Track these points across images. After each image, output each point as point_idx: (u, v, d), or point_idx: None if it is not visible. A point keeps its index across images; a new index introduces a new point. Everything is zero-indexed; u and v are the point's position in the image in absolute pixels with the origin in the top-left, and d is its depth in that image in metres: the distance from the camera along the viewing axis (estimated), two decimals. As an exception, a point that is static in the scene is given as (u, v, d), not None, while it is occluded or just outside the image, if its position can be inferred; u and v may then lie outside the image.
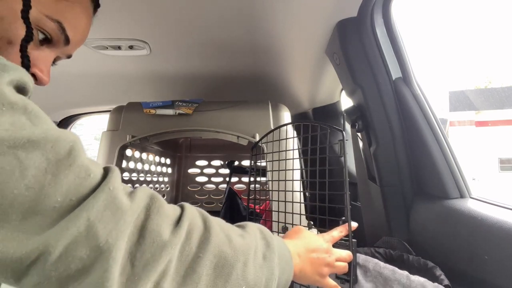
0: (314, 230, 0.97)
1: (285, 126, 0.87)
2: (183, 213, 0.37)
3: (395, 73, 0.87)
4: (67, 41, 0.48)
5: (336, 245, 0.64)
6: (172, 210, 0.36)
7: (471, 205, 0.74)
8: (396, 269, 0.65)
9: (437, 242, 0.79)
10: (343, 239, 0.65)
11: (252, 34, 0.97)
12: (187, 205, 0.39)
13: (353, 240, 0.63)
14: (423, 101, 0.84)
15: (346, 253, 0.61)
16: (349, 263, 0.61)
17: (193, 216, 0.37)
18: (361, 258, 0.70)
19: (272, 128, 0.85)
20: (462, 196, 0.79)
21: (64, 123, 1.88)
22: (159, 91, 1.46)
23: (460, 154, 0.84)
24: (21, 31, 0.41)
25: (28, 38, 0.41)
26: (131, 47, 1.03)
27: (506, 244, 0.62)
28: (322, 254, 0.56)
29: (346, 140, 0.64)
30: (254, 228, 0.47)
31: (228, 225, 0.45)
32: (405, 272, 0.64)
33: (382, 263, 0.68)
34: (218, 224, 0.40)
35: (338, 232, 0.63)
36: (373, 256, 0.84)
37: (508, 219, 0.63)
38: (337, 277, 0.62)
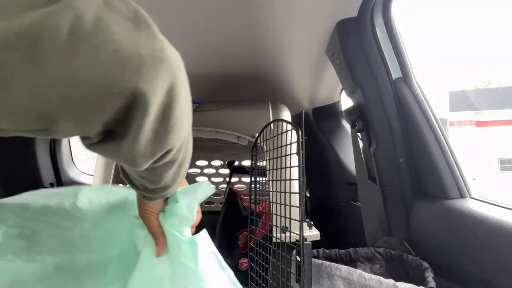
0: (314, 229, 0.97)
1: (284, 125, 0.87)
2: None
3: (395, 73, 0.87)
4: None
5: (290, 247, 0.64)
6: None
7: (471, 205, 0.74)
8: (382, 278, 0.65)
9: (437, 242, 0.79)
10: (296, 241, 0.64)
11: (252, 34, 0.97)
12: None
13: (308, 243, 0.62)
14: (423, 101, 0.84)
15: None
16: (300, 266, 0.61)
17: None
18: (344, 270, 0.69)
19: (272, 127, 0.85)
20: (462, 196, 0.79)
21: (64, 123, 1.87)
22: (159, 91, 1.45)
23: (460, 154, 0.84)
24: None
25: None
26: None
27: (506, 244, 0.62)
28: None
29: (305, 137, 0.63)
30: None
31: None
32: (391, 281, 0.64)
33: (367, 275, 0.66)
34: None
35: None
36: (373, 255, 0.84)
37: (508, 219, 0.63)
38: (296, 281, 0.62)
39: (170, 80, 0.31)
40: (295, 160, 0.65)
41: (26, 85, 0.23)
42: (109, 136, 0.30)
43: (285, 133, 0.76)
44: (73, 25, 0.23)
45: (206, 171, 1.84)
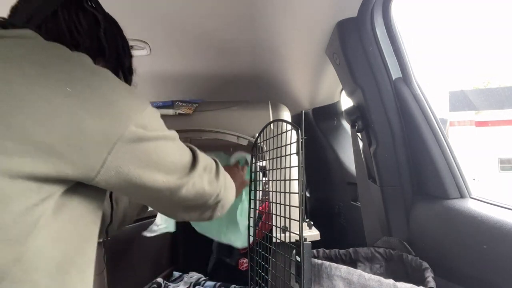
0: (314, 229, 0.97)
1: (284, 125, 0.87)
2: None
3: (395, 73, 0.87)
4: None
5: (290, 247, 0.65)
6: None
7: (471, 205, 0.74)
8: (382, 279, 0.64)
9: (437, 242, 0.79)
10: (296, 241, 0.64)
11: (252, 34, 0.97)
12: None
13: (307, 243, 0.62)
14: (423, 101, 0.84)
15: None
16: (300, 266, 0.61)
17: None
18: (344, 270, 0.69)
19: (272, 127, 0.85)
20: (462, 196, 0.79)
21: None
22: (159, 91, 1.45)
23: (460, 154, 0.84)
24: None
25: None
26: (131, 47, 1.03)
27: (506, 244, 0.62)
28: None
29: (305, 137, 0.63)
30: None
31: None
32: (391, 281, 0.64)
33: (367, 275, 0.66)
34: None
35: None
36: (373, 255, 0.84)
37: (508, 219, 0.63)
38: (296, 281, 0.62)
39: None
40: (295, 160, 0.65)
41: (168, 203, 0.61)
42: None
43: (285, 133, 0.76)
44: (188, 185, 0.58)
45: (206, 171, 1.84)
